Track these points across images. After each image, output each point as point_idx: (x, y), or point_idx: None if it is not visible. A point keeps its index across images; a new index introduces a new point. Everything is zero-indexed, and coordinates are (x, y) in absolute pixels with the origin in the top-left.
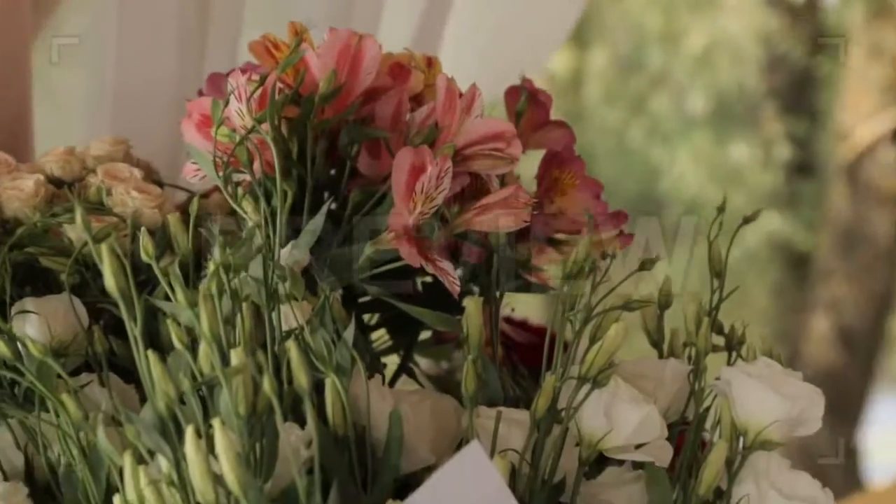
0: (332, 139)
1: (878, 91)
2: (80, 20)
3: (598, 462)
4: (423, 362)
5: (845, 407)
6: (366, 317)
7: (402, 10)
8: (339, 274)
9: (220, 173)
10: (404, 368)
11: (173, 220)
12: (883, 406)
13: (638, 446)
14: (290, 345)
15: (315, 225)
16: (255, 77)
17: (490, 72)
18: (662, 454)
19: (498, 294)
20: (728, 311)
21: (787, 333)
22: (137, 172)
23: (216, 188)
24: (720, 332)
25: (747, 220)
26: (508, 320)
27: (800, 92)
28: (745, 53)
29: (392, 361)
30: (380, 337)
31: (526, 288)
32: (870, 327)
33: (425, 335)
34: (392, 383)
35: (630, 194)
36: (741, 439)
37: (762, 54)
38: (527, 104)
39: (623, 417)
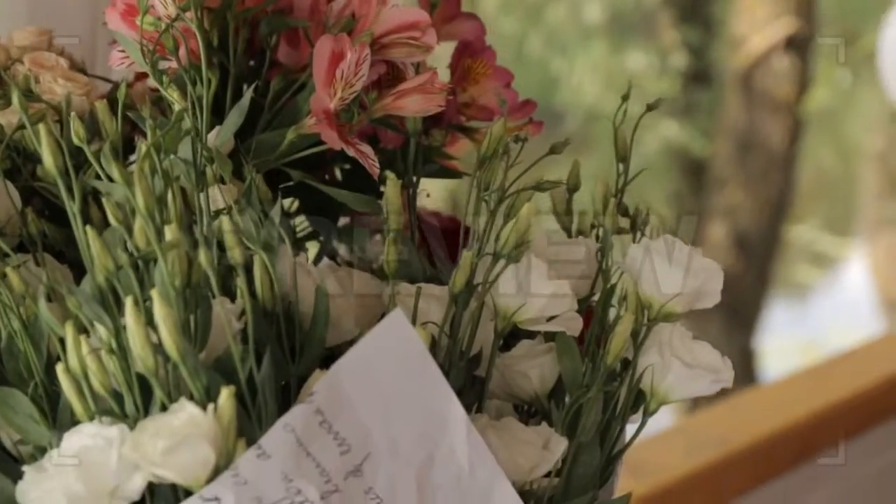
0: (253, 29)
1: (770, 1)
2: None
3: (512, 336)
4: (341, 250)
5: (741, 312)
6: (286, 203)
7: None
8: (263, 159)
9: (147, 60)
10: (325, 251)
11: (101, 106)
12: (777, 311)
13: (550, 319)
14: (224, 220)
15: (240, 109)
16: None
17: None
18: (573, 325)
19: (414, 178)
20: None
21: (685, 240)
22: (63, 61)
23: (138, 78)
24: (626, 214)
25: (651, 108)
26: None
27: (695, 1)
28: None
29: (313, 248)
30: (300, 222)
31: (441, 173)
32: (764, 234)
33: (343, 222)
34: (315, 265)
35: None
36: (646, 312)
37: None
38: None
39: (536, 290)
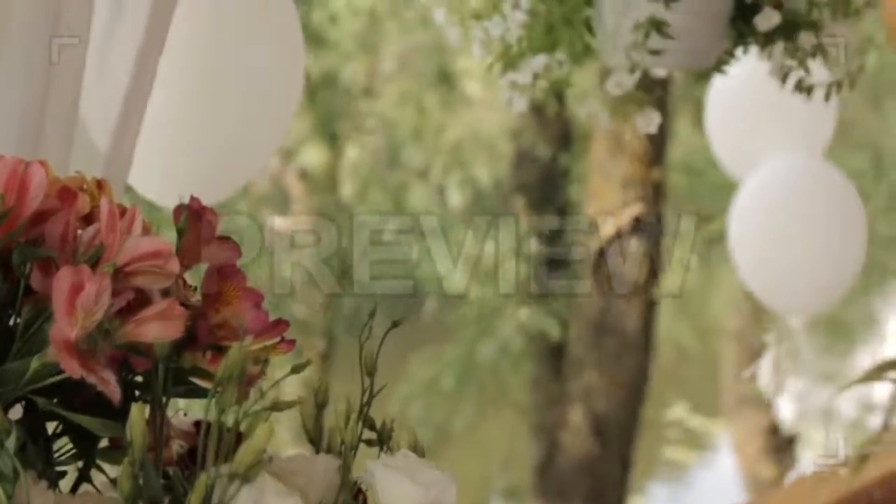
0: (6, 258)
1: (620, 185)
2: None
3: None
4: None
5: (604, 495)
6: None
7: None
8: (13, 385)
9: None
10: (83, 475)
11: None
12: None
13: None
14: None
15: None
16: None
17: (209, 180)
18: None
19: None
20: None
21: (545, 425)
22: None
23: None
24: (372, 427)
25: (395, 325)
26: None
27: (548, 186)
28: (496, 150)
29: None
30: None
31: (190, 393)
32: (622, 416)
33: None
34: (75, 489)
35: (392, 287)
36: None
37: (513, 150)
38: (187, 222)
39: None
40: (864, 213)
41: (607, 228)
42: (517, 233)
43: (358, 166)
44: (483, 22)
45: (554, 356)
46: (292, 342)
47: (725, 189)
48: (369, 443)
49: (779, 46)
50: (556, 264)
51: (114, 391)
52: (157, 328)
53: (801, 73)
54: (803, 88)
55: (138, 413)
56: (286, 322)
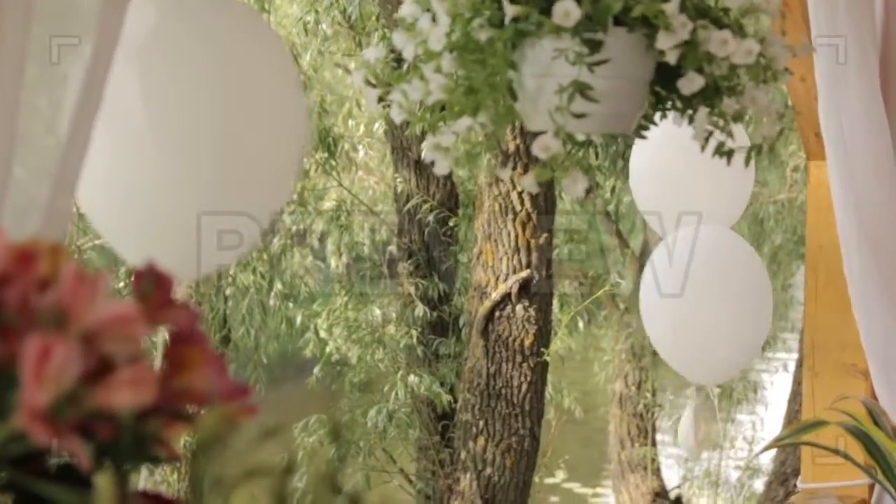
0: None
1: (508, 249)
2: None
3: None
4: None
5: None
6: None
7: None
8: None
9: None
10: None
11: None
12: None
13: None
14: None
15: None
16: None
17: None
18: None
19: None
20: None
21: (435, 492)
22: None
23: None
24: (339, 491)
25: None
26: (145, 494)
27: (434, 251)
28: (378, 214)
29: None
30: None
31: (156, 459)
32: (511, 482)
33: None
34: None
35: (274, 355)
36: None
37: (397, 215)
38: (150, 286)
39: None
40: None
41: (495, 293)
42: (402, 297)
43: None
44: (402, 86)
45: (441, 421)
46: (254, 408)
47: (606, 253)
48: None
49: (702, 111)
50: (443, 328)
51: (84, 459)
52: (129, 393)
53: (722, 137)
54: (723, 153)
55: (106, 482)
56: (249, 388)
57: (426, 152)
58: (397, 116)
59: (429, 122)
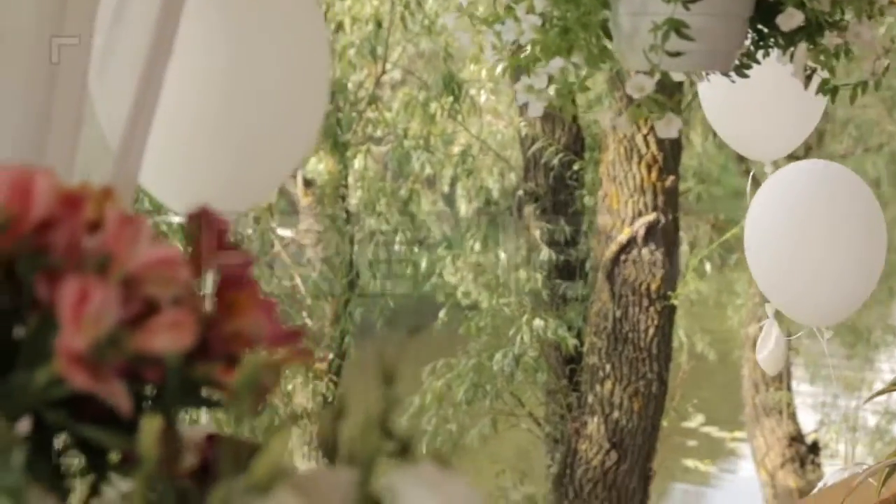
0: (11, 267)
1: (634, 192)
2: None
3: None
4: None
5: None
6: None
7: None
8: (22, 399)
9: None
10: (93, 490)
11: None
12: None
13: None
14: None
15: None
16: None
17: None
18: None
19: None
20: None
21: (563, 435)
22: None
23: None
24: (392, 437)
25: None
26: (210, 437)
27: (560, 195)
28: (506, 158)
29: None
30: None
31: (204, 403)
32: (639, 426)
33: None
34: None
35: (399, 299)
36: None
37: (523, 159)
38: (198, 230)
39: None
40: (884, 218)
41: (622, 237)
42: (529, 241)
43: (365, 175)
44: (495, 27)
45: (568, 365)
46: (309, 352)
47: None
48: (390, 454)
49: (801, 48)
50: (569, 273)
51: (124, 403)
52: (168, 337)
53: (824, 74)
54: (827, 90)
55: (150, 425)
56: (301, 331)
57: (518, 94)
58: (492, 58)
59: (522, 64)
